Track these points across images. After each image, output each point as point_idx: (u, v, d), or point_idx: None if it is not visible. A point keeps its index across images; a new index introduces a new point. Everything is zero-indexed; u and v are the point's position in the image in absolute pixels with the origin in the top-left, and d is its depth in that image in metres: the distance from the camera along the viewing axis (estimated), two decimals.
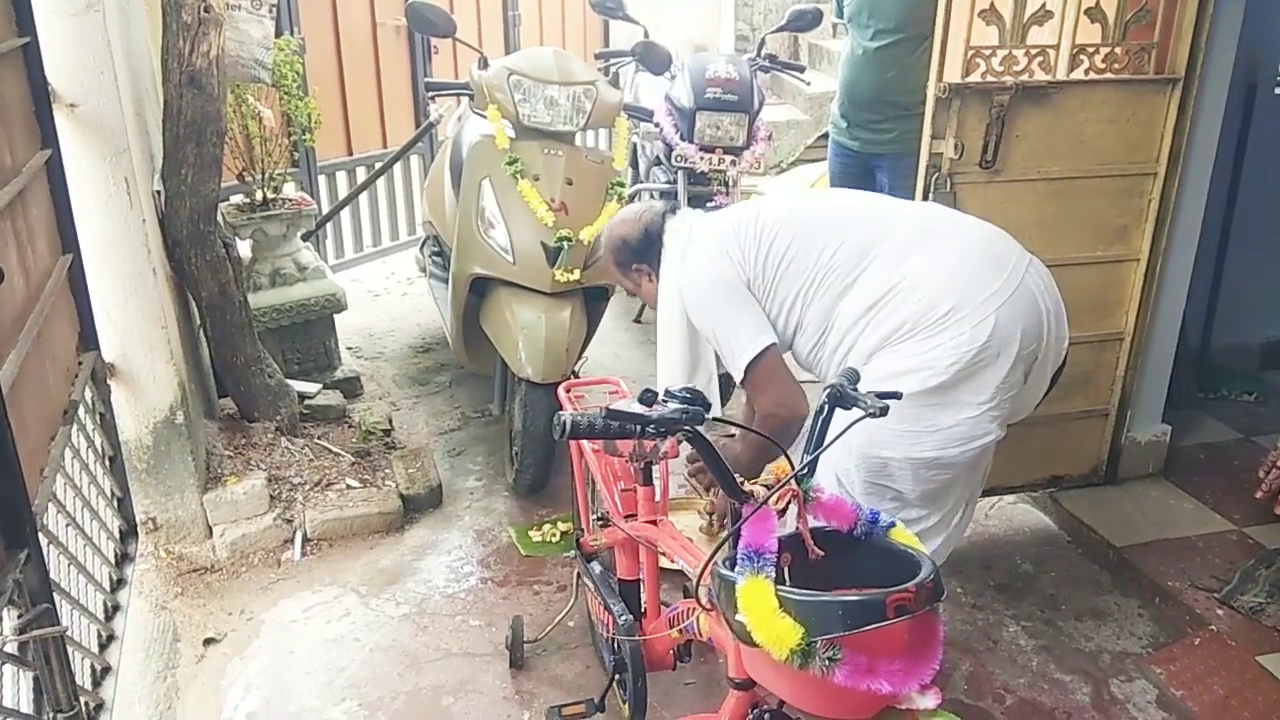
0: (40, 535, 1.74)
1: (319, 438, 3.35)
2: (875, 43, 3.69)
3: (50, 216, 2.23)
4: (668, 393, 1.53)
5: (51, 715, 1.76)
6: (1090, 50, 2.65)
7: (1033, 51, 2.61)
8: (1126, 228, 2.86)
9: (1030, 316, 2.04)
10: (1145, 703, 2.43)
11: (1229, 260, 3.64)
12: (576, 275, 3.03)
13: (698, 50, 5.82)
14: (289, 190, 3.87)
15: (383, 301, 4.89)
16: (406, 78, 5.17)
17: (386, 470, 3.27)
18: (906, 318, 2.03)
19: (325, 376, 3.76)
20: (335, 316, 3.81)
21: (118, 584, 2.40)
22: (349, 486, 3.15)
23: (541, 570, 2.93)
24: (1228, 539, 2.94)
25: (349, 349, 4.16)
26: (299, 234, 3.79)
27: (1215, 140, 2.87)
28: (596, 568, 2.35)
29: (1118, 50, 2.67)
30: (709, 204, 3.68)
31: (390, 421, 3.60)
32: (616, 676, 2.13)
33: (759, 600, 1.36)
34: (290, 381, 3.42)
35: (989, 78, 2.59)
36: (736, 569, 1.41)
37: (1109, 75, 2.69)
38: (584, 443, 2.32)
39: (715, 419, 1.56)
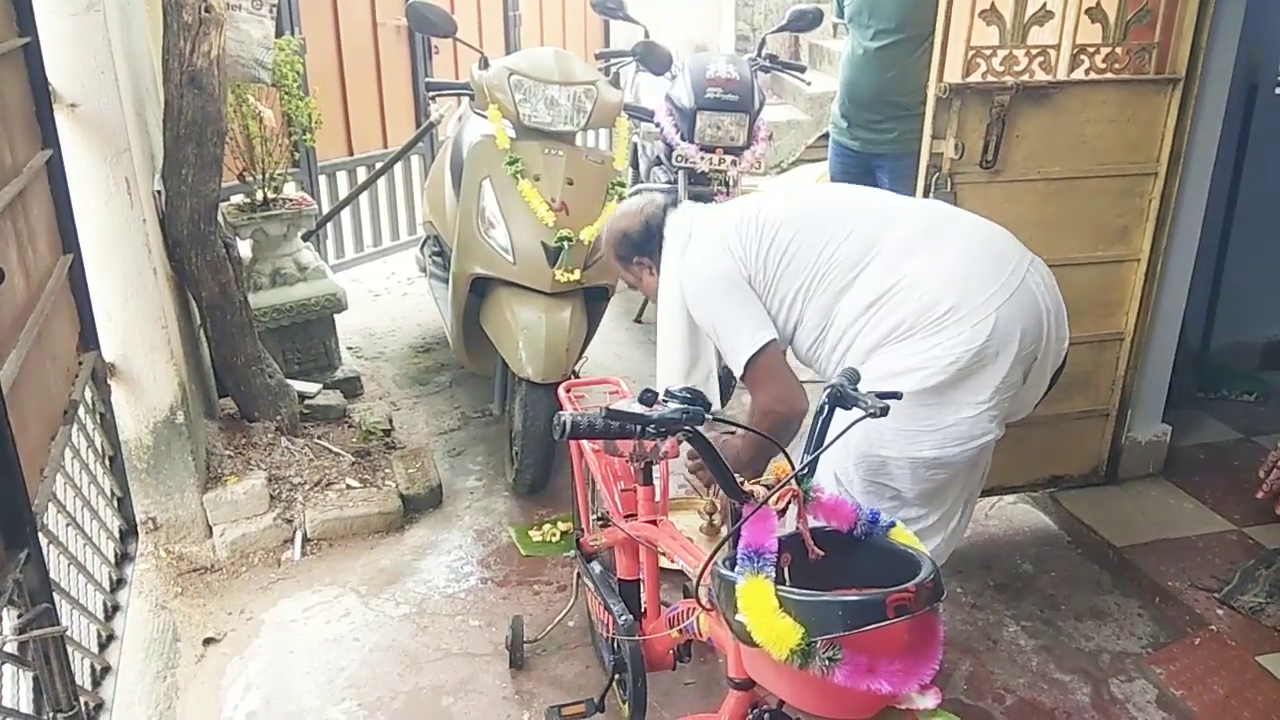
0: (40, 535, 1.74)
1: (319, 438, 3.35)
2: (876, 43, 3.69)
3: (51, 216, 2.23)
4: (668, 393, 1.53)
5: (51, 715, 1.76)
6: (1091, 50, 2.65)
7: (1033, 51, 2.61)
8: (1127, 228, 2.86)
9: (1031, 317, 2.04)
10: (1145, 703, 2.43)
11: (1229, 260, 3.64)
12: (577, 275, 3.03)
13: (698, 50, 5.82)
14: (289, 190, 3.87)
15: (383, 301, 4.89)
16: (407, 78, 5.17)
17: (386, 470, 3.27)
18: (906, 316, 2.03)
19: (325, 376, 3.76)
20: (335, 316, 3.82)
21: (117, 584, 2.40)
22: (349, 486, 3.15)
23: (541, 570, 2.93)
24: (1228, 539, 2.94)
25: (349, 349, 4.16)
26: (299, 234, 3.79)
27: (1216, 140, 2.87)
28: (596, 568, 2.35)
29: (1118, 50, 2.67)
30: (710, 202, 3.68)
31: (390, 421, 3.60)
32: (616, 676, 2.13)
33: (759, 600, 1.36)
34: (290, 381, 3.42)
35: (989, 78, 2.59)
36: (736, 569, 1.41)
37: (1109, 75, 2.69)
38: (584, 443, 2.32)
39: (716, 418, 1.56)
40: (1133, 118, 2.74)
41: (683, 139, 3.69)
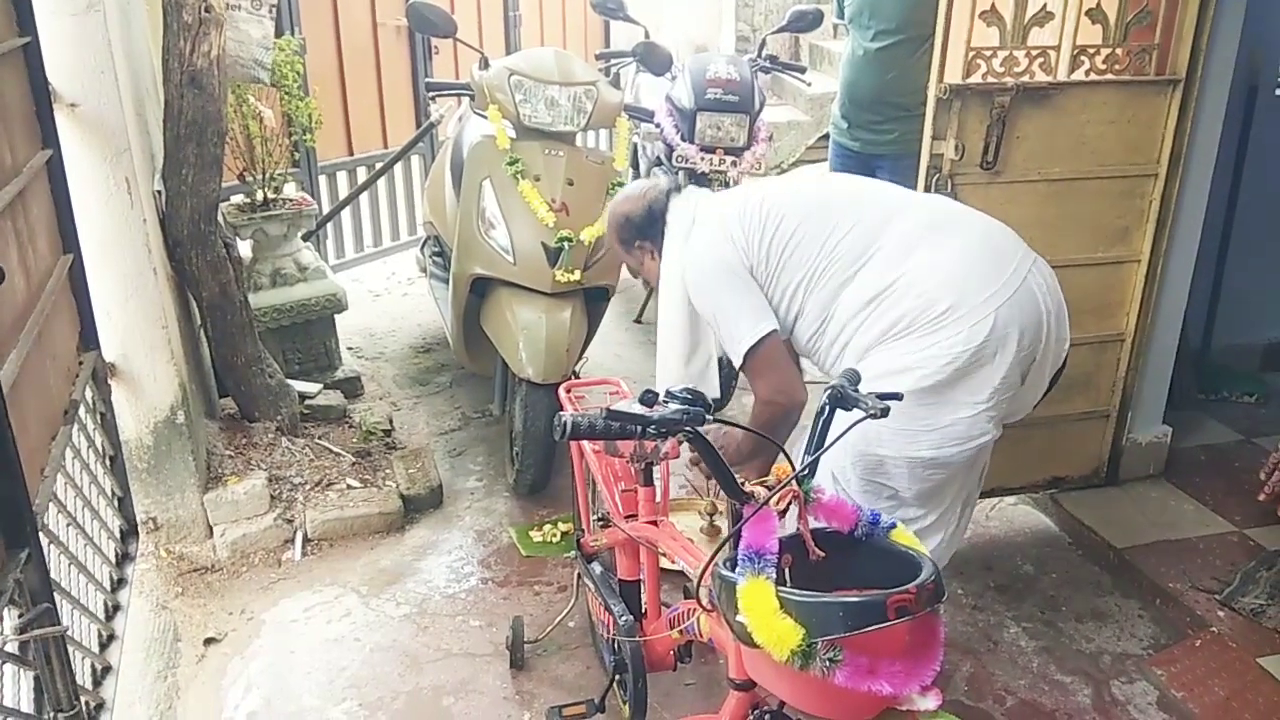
0: (41, 535, 1.74)
1: (319, 438, 3.35)
2: (876, 44, 3.69)
3: (51, 216, 2.23)
4: (668, 393, 1.53)
5: (52, 715, 1.76)
6: (1091, 51, 2.65)
7: (1033, 53, 2.61)
8: (1127, 229, 2.86)
9: (1030, 317, 2.03)
10: (1146, 704, 2.43)
11: (1230, 261, 3.64)
12: (577, 276, 3.03)
13: (698, 51, 5.82)
14: (290, 190, 3.87)
15: (383, 302, 4.89)
16: (407, 78, 5.17)
17: (387, 470, 3.27)
18: (904, 313, 2.02)
19: (326, 376, 3.76)
20: (336, 316, 3.81)
21: (118, 584, 2.40)
22: (349, 486, 3.15)
23: (542, 571, 2.93)
24: (1228, 540, 2.94)
25: (349, 349, 4.16)
26: (300, 234, 3.79)
27: (1216, 141, 2.87)
28: (597, 568, 2.35)
29: (1118, 51, 2.67)
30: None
31: (391, 422, 3.60)
32: (617, 677, 2.13)
33: (760, 601, 1.36)
34: (291, 381, 3.42)
35: (990, 79, 2.60)
36: (737, 570, 1.41)
37: (1110, 76, 2.69)
38: (584, 443, 2.32)
39: (717, 419, 1.56)
40: (1133, 119, 2.74)
41: (683, 139, 3.69)
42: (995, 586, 2.85)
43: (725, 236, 2.18)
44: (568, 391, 2.53)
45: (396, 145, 4.82)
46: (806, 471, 1.53)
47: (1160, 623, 2.70)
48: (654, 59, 3.84)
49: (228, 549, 2.90)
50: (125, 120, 2.48)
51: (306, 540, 3.00)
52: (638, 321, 4.59)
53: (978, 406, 2.03)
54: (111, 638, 2.23)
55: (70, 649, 1.84)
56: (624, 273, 3.57)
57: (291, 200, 3.73)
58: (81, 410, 2.23)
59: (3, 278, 1.60)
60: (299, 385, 3.51)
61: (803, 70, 4.45)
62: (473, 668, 2.54)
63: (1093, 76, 2.67)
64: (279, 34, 3.67)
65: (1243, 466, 3.27)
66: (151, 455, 2.77)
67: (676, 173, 3.77)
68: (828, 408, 1.60)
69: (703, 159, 3.66)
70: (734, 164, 3.69)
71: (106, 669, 2.14)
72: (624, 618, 2.08)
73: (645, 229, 2.36)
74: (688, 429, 1.50)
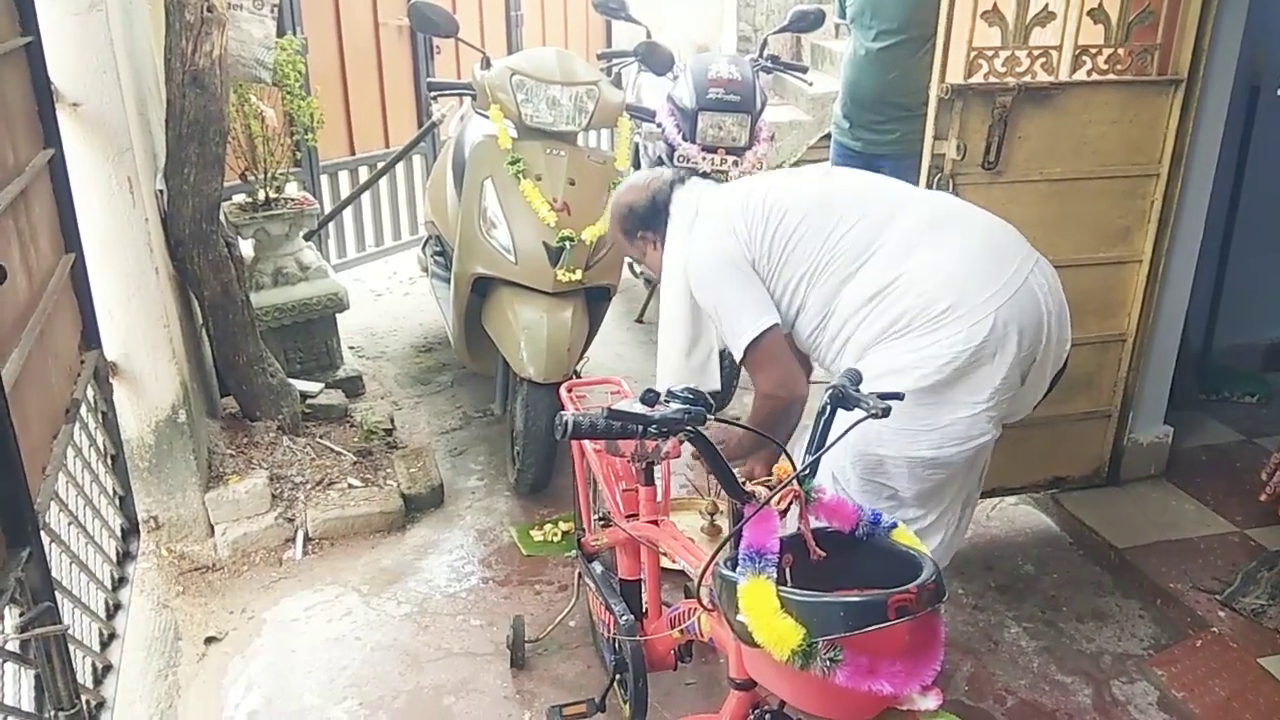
0: (42, 533, 1.74)
1: (321, 437, 3.35)
2: (878, 44, 3.69)
3: (53, 215, 2.23)
4: (669, 393, 1.53)
5: (53, 713, 1.77)
6: (1093, 51, 2.65)
7: (1035, 52, 2.61)
8: (1129, 229, 2.85)
9: (1030, 318, 2.03)
10: (1146, 704, 2.43)
11: (1231, 261, 3.64)
12: (578, 275, 3.03)
13: (700, 51, 5.81)
14: (291, 190, 3.87)
15: (385, 301, 4.90)
16: (409, 77, 5.17)
17: (388, 470, 3.27)
18: (904, 311, 2.02)
19: (327, 376, 3.76)
20: (337, 316, 3.82)
21: (119, 582, 2.41)
22: (351, 486, 3.15)
23: (543, 570, 2.93)
24: (1229, 541, 2.94)
25: (351, 348, 4.16)
26: (301, 233, 3.79)
27: (1218, 141, 2.87)
28: (598, 567, 2.36)
29: (1120, 51, 2.67)
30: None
31: (392, 421, 3.60)
32: (617, 676, 2.13)
33: (760, 601, 1.36)
34: (292, 381, 3.43)
35: (991, 79, 2.59)
36: (738, 569, 1.41)
37: (1112, 76, 2.69)
38: (586, 443, 2.32)
39: (718, 419, 1.56)
40: (1135, 119, 2.74)
41: (684, 139, 3.69)
42: (996, 586, 2.84)
43: (728, 229, 2.18)
44: (569, 391, 2.54)
45: (398, 145, 4.82)
46: (808, 471, 1.53)
47: (1161, 623, 2.70)
48: (656, 59, 3.83)
49: (229, 548, 2.91)
50: (127, 120, 2.48)
51: (307, 539, 3.00)
52: (639, 321, 4.59)
53: (977, 406, 2.02)
54: (112, 636, 2.23)
55: (71, 647, 1.84)
56: (625, 272, 3.58)
57: (293, 200, 3.74)
58: (83, 409, 2.24)
59: (5, 277, 1.61)
60: (300, 384, 3.51)
61: (804, 70, 4.44)
62: (473, 667, 2.54)
63: (1094, 76, 2.67)
64: (281, 33, 3.67)
65: (1244, 467, 3.27)
66: (153, 454, 2.77)
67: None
68: (829, 407, 1.60)
69: (704, 159, 3.66)
70: (735, 164, 3.69)
71: (107, 667, 2.14)
72: (625, 617, 2.08)
73: (648, 219, 2.35)
74: (689, 428, 1.50)
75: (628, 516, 2.07)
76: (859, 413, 1.53)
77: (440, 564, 2.95)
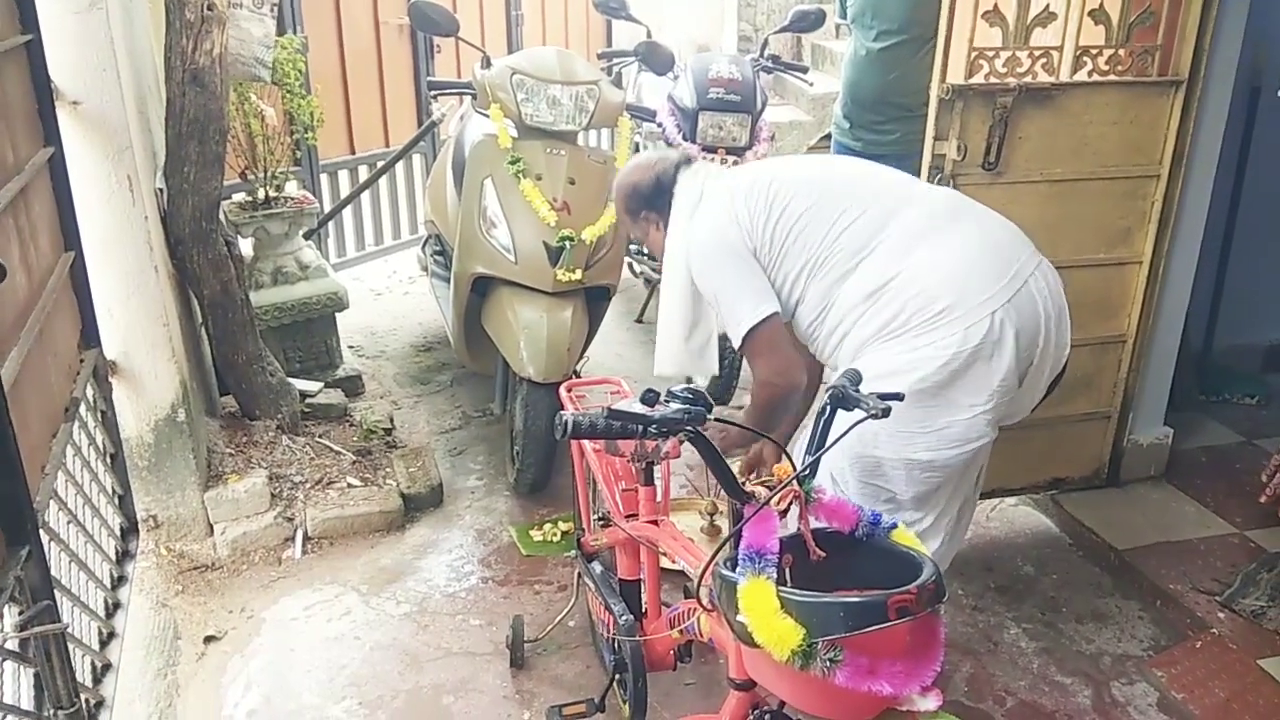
0: (41, 532, 1.74)
1: (320, 436, 3.35)
2: (879, 44, 3.68)
3: (52, 214, 2.23)
4: (669, 393, 1.53)
5: (52, 712, 1.76)
6: (1094, 52, 2.65)
7: (1036, 53, 2.61)
8: (1129, 230, 2.85)
9: (1029, 321, 2.02)
10: (1146, 705, 2.43)
11: (1231, 262, 3.64)
12: (578, 275, 3.03)
13: (700, 50, 5.81)
14: (291, 189, 3.87)
15: (384, 300, 4.89)
16: (409, 76, 5.17)
17: (387, 469, 3.27)
18: (902, 308, 2.01)
19: (327, 375, 3.76)
20: (337, 315, 3.82)
21: (118, 581, 2.40)
22: (350, 485, 3.15)
23: (542, 570, 2.93)
24: (1229, 542, 2.94)
25: (350, 348, 4.16)
26: (301, 232, 3.79)
27: (1218, 142, 2.87)
28: (597, 567, 2.35)
29: (1121, 52, 2.67)
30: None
31: (391, 420, 3.60)
32: (617, 676, 2.13)
33: (760, 601, 1.35)
34: (292, 380, 3.42)
35: (992, 79, 2.59)
36: (738, 570, 1.41)
37: (1112, 77, 2.69)
38: (585, 442, 2.32)
39: (718, 419, 1.56)
40: (1135, 120, 2.74)
41: (685, 139, 3.69)
42: (996, 587, 2.84)
43: (730, 217, 2.16)
44: (568, 391, 2.53)
45: (398, 144, 4.82)
46: (807, 471, 1.53)
47: (1161, 624, 2.70)
48: (656, 58, 3.83)
49: (228, 547, 2.91)
50: (127, 118, 2.48)
51: (307, 538, 3.00)
52: (639, 321, 4.59)
53: (975, 409, 2.02)
54: (111, 635, 2.23)
55: (70, 646, 1.84)
56: (625, 272, 3.58)
57: (293, 199, 3.73)
58: (82, 408, 2.23)
59: (4, 275, 1.60)
60: (300, 383, 3.51)
61: (805, 70, 4.44)
62: (473, 666, 2.54)
63: (1095, 77, 2.67)
64: (281, 32, 3.67)
65: (1244, 468, 3.27)
66: (152, 453, 2.77)
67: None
68: (828, 408, 1.60)
69: (705, 159, 3.66)
70: (736, 164, 3.69)
71: (106, 666, 2.14)
72: (624, 617, 2.08)
73: (652, 200, 2.34)
74: (688, 428, 1.49)
75: (627, 516, 2.07)
76: (859, 413, 1.53)
77: (439, 563, 2.95)
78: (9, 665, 1.66)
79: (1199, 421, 3.55)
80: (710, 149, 3.67)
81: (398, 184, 5.24)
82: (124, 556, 2.50)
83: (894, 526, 1.54)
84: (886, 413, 1.49)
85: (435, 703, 2.42)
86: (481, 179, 3.10)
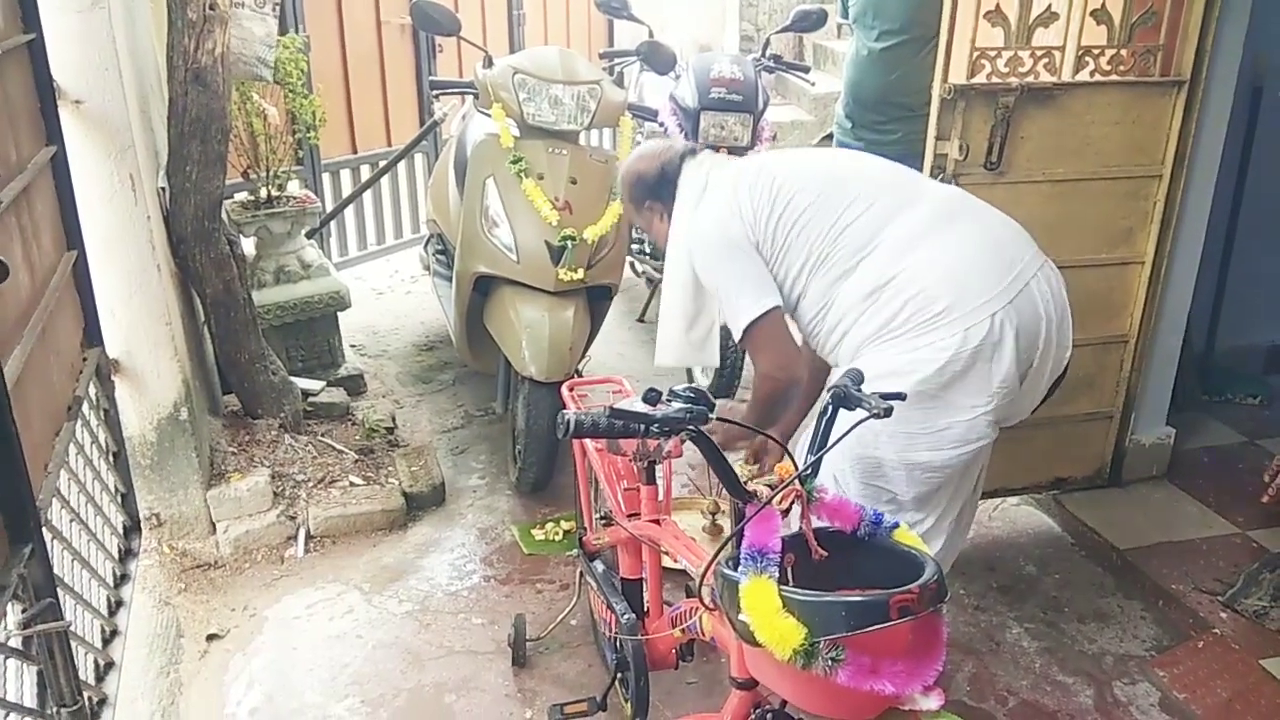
0: (44, 530, 1.74)
1: (322, 435, 3.35)
2: (880, 43, 3.68)
3: (55, 213, 2.23)
4: (671, 391, 1.53)
5: (55, 709, 1.77)
6: (1096, 52, 2.65)
7: (1038, 53, 2.60)
8: (1131, 230, 2.85)
9: (1029, 323, 2.01)
10: (1148, 705, 2.43)
11: (1234, 263, 3.63)
12: (580, 274, 3.03)
13: (702, 50, 5.82)
14: (293, 188, 3.87)
15: (386, 299, 4.90)
16: (411, 76, 5.17)
17: (390, 468, 3.27)
18: (902, 307, 2.00)
19: (329, 374, 3.77)
20: (339, 314, 3.82)
21: (121, 579, 2.41)
22: (352, 484, 3.15)
23: (544, 569, 2.93)
24: (1231, 542, 2.94)
25: (353, 347, 4.17)
26: (303, 231, 3.79)
27: (1221, 142, 2.86)
28: (599, 566, 2.35)
29: (1123, 52, 2.67)
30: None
31: (393, 419, 3.60)
32: (619, 675, 2.14)
33: (762, 600, 1.35)
34: (294, 379, 3.43)
35: (994, 79, 2.59)
36: (740, 569, 1.41)
37: (1114, 77, 2.68)
38: (587, 441, 2.32)
39: (719, 418, 1.56)
40: (1137, 120, 2.74)
41: (687, 139, 3.69)
42: (998, 587, 2.84)
43: (734, 210, 2.16)
44: (570, 390, 2.54)
45: (400, 143, 4.82)
46: (809, 471, 1.53)
47: (1163, 624, 2.70)
48: (658, 58, 3.83)
49: (230, 545, 2.91)
50: (129, 117, 2.48)
51: (309, 537, 3.00)
52: (641, 320, 4.59)
53: (975, 410, 2.01)
54: (114, 633, 2.23)
55: (73, 644, 1.84)
56: (626, 272, 3.58)
57: (295, 198, 3.74)
58: (85, 406, 2.24)
59: (7, 274, 1.61)
60: (302, 382, 3.51)
61: (806, 70, 4.44)
62: (475, 665, 2.54)
63: (1097, 77, 2.67)
64: (283, 31, 3.67)
65: (1246, 468, 3.27)
66: (155, 451, 2.77)
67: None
68: (830, 407, 1.60)
69: (709, 149, 3.65)
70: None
71: (109, 664, 2.14)
72: (626, 616, 2.08)
73: (656, 190, 2.33)
74: (690, 427, 1.49)
75: (629, 515, 2.07)
76: (861, 412, 1.53)
77: (442, 562, 2.95)
78: (12, 663, 1.66)
79: (1201, 422, 3.55)
80: (712, 148, 3.66)
81: (400, 183, 5.24)
82: (126, 555, 2.50)
83: (896, 526, 1.54)
84: (889, 412, 1.49)
85: (437, 701, 2.43)
86: (483, 178, 3.10)
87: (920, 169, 2.70)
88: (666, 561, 2.05)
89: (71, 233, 2.31)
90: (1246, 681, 2.43)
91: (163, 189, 2.88)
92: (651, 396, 1.49)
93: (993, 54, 2.58)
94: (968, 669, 2.53)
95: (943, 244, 2.05)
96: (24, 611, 1.65)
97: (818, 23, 4.06)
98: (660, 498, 2.07)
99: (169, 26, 2.74)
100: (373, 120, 5.01)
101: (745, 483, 1.54)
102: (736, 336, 2.17)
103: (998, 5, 2.53)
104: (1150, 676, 2.51)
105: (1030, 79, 2.61)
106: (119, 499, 2.56)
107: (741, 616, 1.38)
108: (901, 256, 2.04)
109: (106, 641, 2.19)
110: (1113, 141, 2.73)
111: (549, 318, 3.00)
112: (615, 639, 2.13)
